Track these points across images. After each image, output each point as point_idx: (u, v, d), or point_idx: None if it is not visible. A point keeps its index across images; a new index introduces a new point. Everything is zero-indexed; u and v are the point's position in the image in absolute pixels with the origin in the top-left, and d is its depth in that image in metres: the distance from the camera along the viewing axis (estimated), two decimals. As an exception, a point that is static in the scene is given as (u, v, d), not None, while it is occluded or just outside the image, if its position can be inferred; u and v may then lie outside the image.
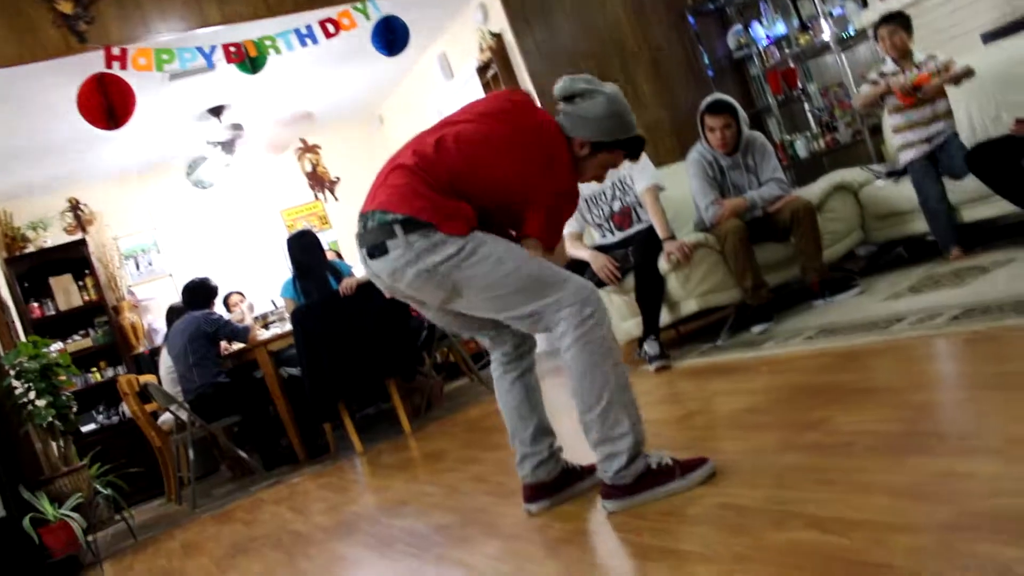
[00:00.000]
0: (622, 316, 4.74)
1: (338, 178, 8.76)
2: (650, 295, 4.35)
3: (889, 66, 4.52)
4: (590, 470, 2.50)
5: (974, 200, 4.19)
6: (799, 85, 6.37)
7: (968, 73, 4.22)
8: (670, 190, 4.68)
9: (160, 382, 5.92)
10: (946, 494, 1.69)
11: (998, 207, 4.10)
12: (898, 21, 4.44)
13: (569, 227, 4.59)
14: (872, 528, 1.65)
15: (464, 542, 2.54)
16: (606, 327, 2.29)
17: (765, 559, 1.67)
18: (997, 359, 2.51)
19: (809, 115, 6.42)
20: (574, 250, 4.57)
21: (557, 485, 2.53)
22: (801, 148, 6.19)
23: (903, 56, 4.46)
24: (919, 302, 3.61)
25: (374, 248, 2.34)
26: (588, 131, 2.42)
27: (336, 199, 8.75)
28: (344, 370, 5.07)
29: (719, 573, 1.69)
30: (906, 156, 4.47)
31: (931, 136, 4.39)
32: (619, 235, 4.60)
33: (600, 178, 2.60)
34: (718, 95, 4.51)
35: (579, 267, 4.46)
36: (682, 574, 1.76)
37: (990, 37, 4.91)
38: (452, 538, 2.63)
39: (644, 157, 4.55)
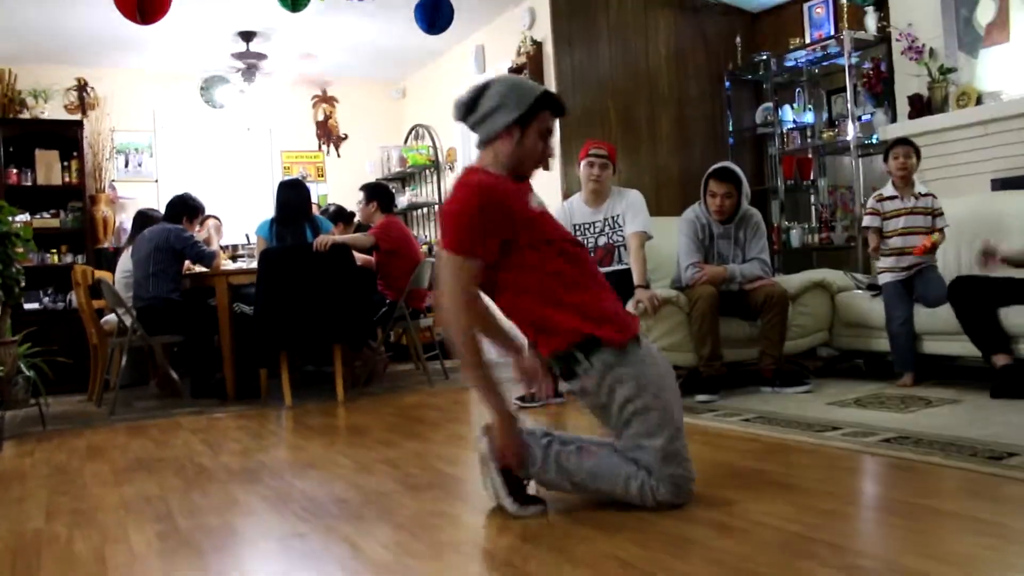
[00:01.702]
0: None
1: (346, 135, 8.74)
2: (608, 336, 4.38)
3: (888, 190, 4.59)
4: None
5: (940, 333, 4.26)
6: (811, 176, 6.45)
7: (940, 242, 4.46)
8: (658, 242, 4.73)
9: (114, 282, 5.88)
10: (820, 604, 1.73)
11: (960, 346, 4.18)
12: (912, 147, 4.55)
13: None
14: (741, 617, 1.68)
15: (357, 520, 2.55)
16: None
17: (632, 617, 1.70)
18: (911, 490, 2.56)
19: (812, 208, 6.50)
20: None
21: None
22: (795, 237, 6.27)
23: (905, 180, 4.54)
24: (859, 416, 3.67)
25: None
26: (505, 116, 2.45)
27: (339, 155, 8.73)
28: (295, 322, 5.07)
29: (585, 618, 1.72)
30: (884, 278, 4.56)
31: (910, 266, 4.48)
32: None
33: (548, 153, 2.58)
34: (728, 163, 4.57)
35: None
36: (550, 610, 1.79)
37: (1000, 184, 5.02)
38: (347, 513, 2.64)
39: (642, 203, 4.61)
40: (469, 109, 2.50)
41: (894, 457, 2.95)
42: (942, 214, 4.50)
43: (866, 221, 4.67)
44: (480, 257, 2.39)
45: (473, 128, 2.52)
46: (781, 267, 6.18)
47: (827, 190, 6.41)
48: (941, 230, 4.47)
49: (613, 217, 4.61)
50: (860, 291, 4.90)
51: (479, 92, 2.49)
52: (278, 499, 2.89)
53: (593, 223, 4.65)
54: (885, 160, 4.61)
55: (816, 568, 1.93)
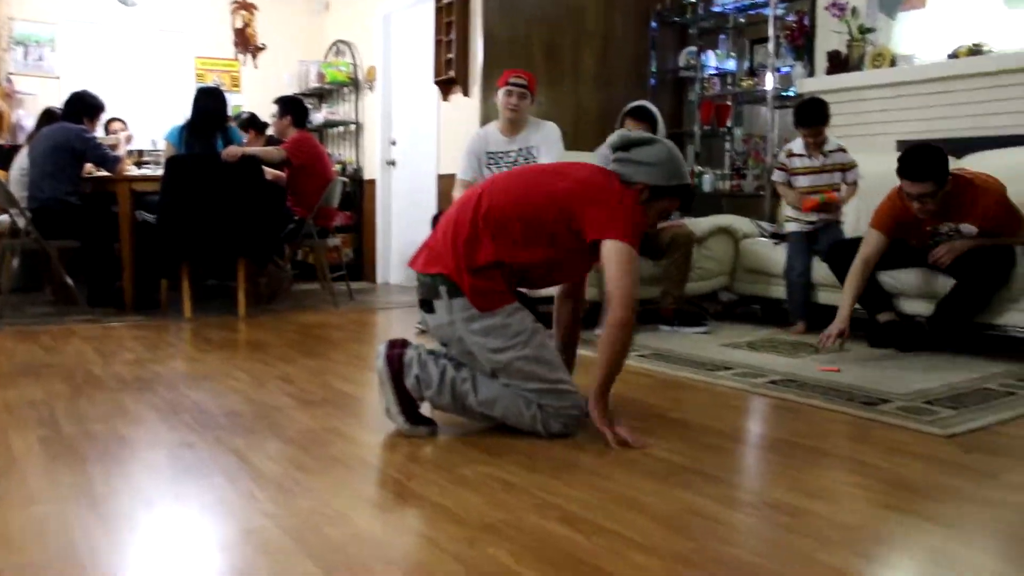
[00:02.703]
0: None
1: (264, 45, 8.45)
2: (516, 266, 4.41)
3: (798, 147, 4.66)
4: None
5: (833, 286, 4.40)
6: (727, 124, 6.53)
7: (851, 195, 4.57)
8: (571, 176, 4.73)
9: (8, 180, 5.62)
10: (693, 530, 1.80)
11: (851, 299, 4.33)
12: (821, 122, 4.52)
13: (463, 175, 4.60)
14: (616, 539, 1.74)
15: (247, 433, 2.54)
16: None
17: (510, 536, 1.75)
18: (791, 429, 2.67)
19: (726, 155, 6.59)
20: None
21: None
22: (707, 183, 6.35)
23: (817, 148, 4.61)
24: (751, 359, 3.79)
25: None
26: (647, 175, 2.52)
27: (256, 66, 8.45)
28: (199, 233, 4.95)
29: (464, 536, 1.75)
30: (790, 227, 4.68)
31: (815, 220, 4.59)
32: (508, 200, 4.63)
33: (655, 227, 2.66)
34: (645, 103, 4.58)
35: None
36: (431, 526, 1.82)
37: (905, 146, 5.15)
38: (238, 426, 2.63)
39: (557, 136, 4.61)
40: (625, 147, 2.58)
41: (778, 398, 3.07)
42: (855, 166, 4.58)
43: (774, 176, 4.78)
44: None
45: (616, 160, 2.59)
46: (690, 210, 6.25)
47: (742, 138, 6.50)
48: (853, 184, 4.55)
49: (528, 148, 4.59)
50: (764, 239, 5.02)
51: (643, 141, 2.58)
52: (169, 409, 2.85)
53: (507, 152, 4.62)
54: (796, 126, 4.66)
55: (691, 497, 2.01)
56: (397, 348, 2.54)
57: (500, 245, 2.45)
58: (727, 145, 6.61)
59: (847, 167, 4.56)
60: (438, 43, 6.39)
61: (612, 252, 2.42)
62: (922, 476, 2.22)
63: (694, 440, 2.52)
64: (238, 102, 8.15)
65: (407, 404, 2.51)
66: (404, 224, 7.25)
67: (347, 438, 2.51)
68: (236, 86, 8.33)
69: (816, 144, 4.57)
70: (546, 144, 4.54)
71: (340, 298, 5.98)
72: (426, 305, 2.54)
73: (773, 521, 1.87)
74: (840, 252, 4.27)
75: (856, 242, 4.23)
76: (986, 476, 2.23)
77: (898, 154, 5.05)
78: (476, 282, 2.43)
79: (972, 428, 2.67)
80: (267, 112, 7.09)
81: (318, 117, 7.99)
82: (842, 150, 4.60)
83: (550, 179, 2.55)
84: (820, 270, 4.48)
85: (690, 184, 2.63)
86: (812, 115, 4.52)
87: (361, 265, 7.81)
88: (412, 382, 2.49)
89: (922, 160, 3.70)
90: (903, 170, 3.73)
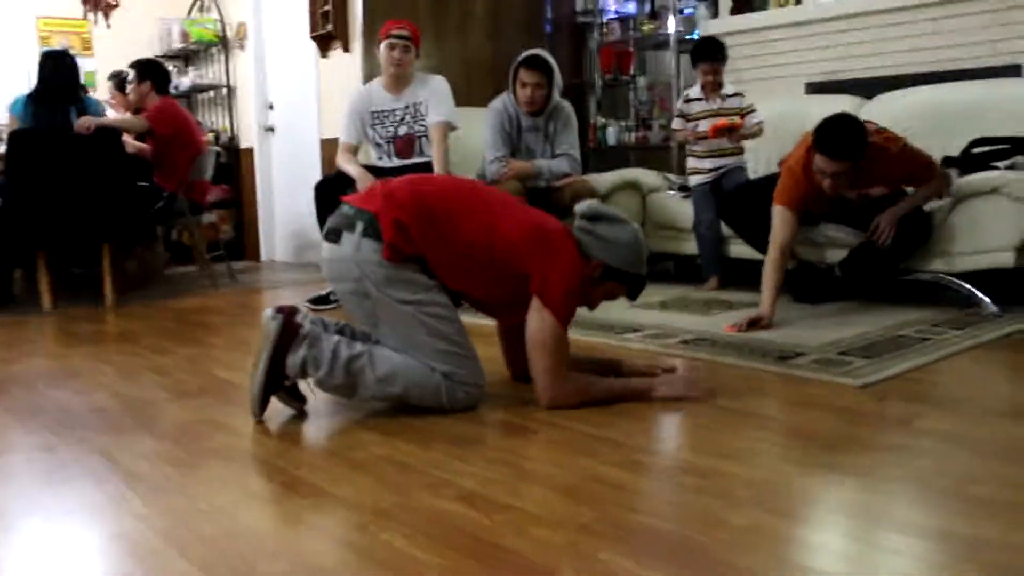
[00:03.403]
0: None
1: (117, 2, 8.16)
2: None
3: (695, 91, 4.77)
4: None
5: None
6: (630, 72, 6.60)
7: (757, 134, 4.64)
8: (464, 133, 4.74)
9: None
10: (597, 499, 1.85)
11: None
12: (719, 59, 4.66)
13: (346, 137, 4.56)
14: (516, 515, 1.77)
15: (115, 431, 2.49)
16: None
17: (404, 519, 1.76)
18: (703, 389, 2.74)
19: (631, 106, 6.67)
20: (344, 163, 4.52)
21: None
22: (611, 135, 6.43)
23: (714, 89, 4.72)
24: (662, 319, 3.88)
25: None
26: (606, 254, 2.56)
27: (108, 26, 8.16)
28: (53, 216, 4.78)
29: (357, 522, 1.76)
30: (693, 180, 4.79)
31: (717, 168, 4.72)
32: (396, 162, 4.61)
33: (593, 306, 2.73)
34: (540, 51, 4.58)
35: (343, 182, 4.41)
36: (320, 514, 1.83)
37: (813, 88, 5.33)
38: (105, 423, 2.57)
39: (446, 91, 4.60)
40: (592, 218, 2.61)
41: (689, 357, 3.16)
42: (754, 111, 4.70)
43: (674, 124, 4.89)
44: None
45: (579, 228, 2.61)
46: (595, 165, 6.32)
47: (646, 87, 6.58)
48: (758, 126, 4.66)
49: (415, 104, 4.57)
50: (672, 192, 5.11)
51: (612, 218, 2.62)
52: (26, 412, 2.77)
53: (393, 111, 4.59)
54: (693, 65, 4.76)
55: (596, 464, 2.05)
56: (295, 320, 2.49)
57: (437, 244, 2.47)
58: (631, 95, 6.68)
59: (745, 111, 4.68)
60: (313, -6, 6.30)
61: (538, 327, 2.48)
62: (835, 428, 2.32)
63: (599, 407, 2.57)
64: (90, 67, 7.87)
65: (277, 382, 2.50)
66: (287, 195, 7.14)
67: (227, 429, 2.48)
68: (87, 49, 8.02)
69: (714, 85, 4.67)
70: (435, 99, 4.53)
71: (220, 279, 5.88)
72: (334, 234, 2.52)
73: (681, 484, 1.94)
74: (732, 202, 4.39)
75: (749, 187, 4.34)
76: (899, 424, 2.34)
77: (807, 96, 5.27)
78: (396, 239, 2.43)
79: (885, 376, 2.80)
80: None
81: (184, 82, 7.79)
82: (739, 95, 4.72)
83: (522, 209, 2.64)
84: (730, 222, 4.59)
85: (644, 277, 2.69)
86: (709, 50, 4.65)
87: (243, 242, 7.68)
88: (298, 361, 2.45)
89: (843, 137, 3.53)
90: (822, 146, 3.55)
